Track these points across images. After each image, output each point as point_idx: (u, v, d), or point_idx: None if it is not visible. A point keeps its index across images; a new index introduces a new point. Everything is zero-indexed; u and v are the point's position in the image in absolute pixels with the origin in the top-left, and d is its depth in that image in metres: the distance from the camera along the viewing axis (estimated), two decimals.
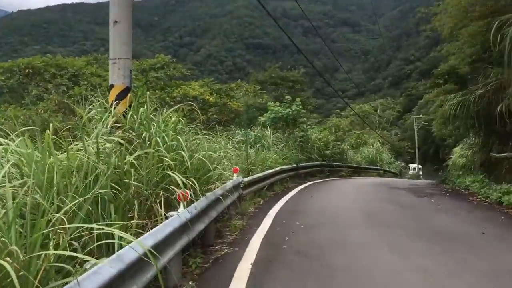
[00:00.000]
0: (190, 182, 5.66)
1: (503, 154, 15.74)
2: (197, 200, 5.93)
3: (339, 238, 7.28)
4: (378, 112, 65.66)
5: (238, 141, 14.61)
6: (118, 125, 6.07)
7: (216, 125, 10.69)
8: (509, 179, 14.05)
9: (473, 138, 19.90)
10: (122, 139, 5.49)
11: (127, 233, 4.32)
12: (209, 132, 8.64)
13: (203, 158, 6.72)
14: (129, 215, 4.84)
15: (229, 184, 7.96)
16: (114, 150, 5.22)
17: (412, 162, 57.40)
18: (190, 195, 5.50)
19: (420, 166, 56.51)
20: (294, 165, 16.89)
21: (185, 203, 5.34)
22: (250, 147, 14.55)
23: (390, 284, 4.94)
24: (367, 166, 29.13)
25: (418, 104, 71.44)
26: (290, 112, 19.69)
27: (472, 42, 16.52)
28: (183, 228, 5.06)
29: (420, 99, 75.13)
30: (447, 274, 5.25)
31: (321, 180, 19.35)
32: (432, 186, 18.48)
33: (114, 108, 6.29)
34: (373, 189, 16.00)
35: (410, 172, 49.12)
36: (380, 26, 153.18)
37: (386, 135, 57.29)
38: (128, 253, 3.55)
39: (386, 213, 10.01)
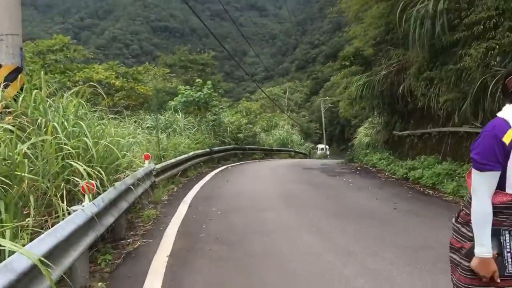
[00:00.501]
0: (96, 172, 5.08)
1: (405, 132, 16.58)
2: (104, 191, 5.34)
3: (258, 222, 7.07)
4: (287, 95, 66.90)
5: (148, 127, 13.92)
6: (7, 110, 5.28)
7: (124, 110, 9.99)
8: (412, 155, 14.83)
9: (378, 118, 20.80)
10: (12, 125, 4.75)
11: (22, 233, 3.72)
12: (116, 117, 7.96)
13: (110, 145, 6.10)
14: (25, 212, 4.20)
15: (140, 172, 7.39)
16: (2, 139, 4.48)
17: (320, 143, 59.34)
18: (96, 186, 4.91)
19: (327, 147, 58.62)
20: (208, 149, 16.52)
21: (90, 196, 4.75)
22: (161, 133, 13.93)
23: (312, 267, 4.78)
24: (279, 148, 29.51)
25: (324, 86, 73.90)
26: (202, 96, 19.23)
27: (377, 24, 17.08)
28: (89, 223, 4.47)
29: (326, 81, 77.85)
30: (367, 253, 5.22)
31: (235, 164, 19.20)
32: (342, 165, 19.08)
33: (3, 91, 5.48)
34: (287, 170, 16.12)
35: (318, 152, 50.73)
36: (286, 10, 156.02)
37: (295, 117, 58.63)
38: (19, 261, 2.92)
39: (302, 194, 10.02)
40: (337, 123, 63.96)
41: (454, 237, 2.20)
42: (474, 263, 2.01)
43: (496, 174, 1.98)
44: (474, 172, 2.04)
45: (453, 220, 2.27)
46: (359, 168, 16.27)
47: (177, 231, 6.58)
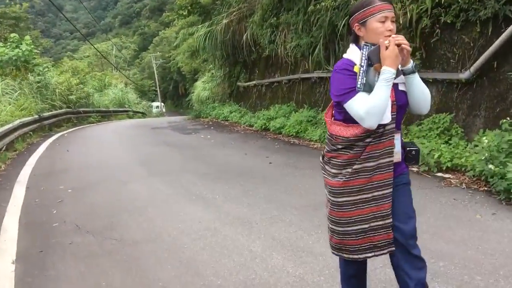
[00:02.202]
0: None
1: (251, 82, 16.30)
2: None
3: (125, 199, 5.80)
4: (114, 52, 62.79)
5: None
6: None
7: None
8: (263, 106, 14.63)
9: (220, 70, 20.21)
10: None
11: None
12: None
13: None
14: None
15: None
16: None
17: (154, 101, 57.45)
18: None
19: (162, 104, 57.10)
20: (36, 116, 14.04)
21: None
22: None
23: (214, 248, 3.84)
24: (116, 109, 27.19)
25: (154, 42, 71.20)
26: (20, 54, 16.16)
27: None
28: None
29: (154, 36, 75.06)
30: (268, 220, 4.48)
31: (71, 130, 16.77)
32: (191, 121, 18.19)
33: None
34: (134, 132, 14.60)
35: (154, 110, 48.88)
36: None
37: (127, 75, 55.47)
38: None
39: (164, 157, 8.89)
40: (170, 79, 62.29)
41: (323, 174, 2.29)
42: None
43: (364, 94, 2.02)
44: (347, 105, 2.05)
45: (320, 158, 2.36)
46: (210, 123, 15.56)
47: (18, 224, 5.01)
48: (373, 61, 2.02)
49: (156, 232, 4.44)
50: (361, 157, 2.08)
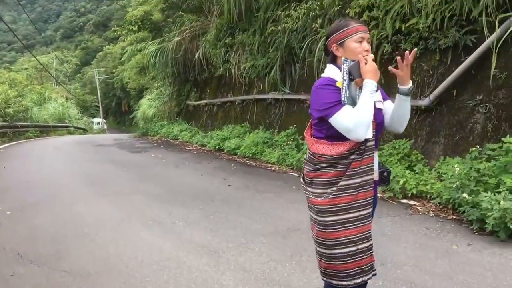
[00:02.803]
0: None
1: (202, 101, 16.02)
2: None
3: (70, 223, 5.24)
4: (54, 65, 60.48)
5: None
6: None
7: None
8: (215, 125, 14.36)
9: (169, 87, 19.77)
10: None
11: None
12: None
13: None
14: None
15: None
16: None
17: (95, 117, 55.65)
18: None
19: (104, 120, 55.43)
20: None
21: None
22: None
23: (179, 281, 3.50)
24: (56, 124, 25.85)
25: (97, 57, 69.53)
26: None
27: None
28: None
29: (97, 52, 73.22)
30: (236, 248, 4.15)
31: (8, 145, 15.63)
32: (138, 139, 17.54)
33: None
34: (78, 149, 13.80)
35: (95, 127, 47.28)
36: None
37: (69, 89, 53.43)
38: None
39: (112, 176, 8.34)
40: (113, 95, 60.70)
41: (306, 195, 2.25)
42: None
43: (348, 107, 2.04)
44: (332, 118, 2.05)
45: (301, 179, 2.33)
46: (160, 142, 15.02)
47: None
48: (354, 75, 2.08)
49: (111, 262, 3.99)
50: (346, 173, 2.08)
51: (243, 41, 11.69)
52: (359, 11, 7.38)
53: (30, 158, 11.76)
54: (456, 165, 4.80)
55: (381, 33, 7.15)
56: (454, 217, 4.77)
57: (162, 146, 13.47)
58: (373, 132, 2.10)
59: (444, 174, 5.27)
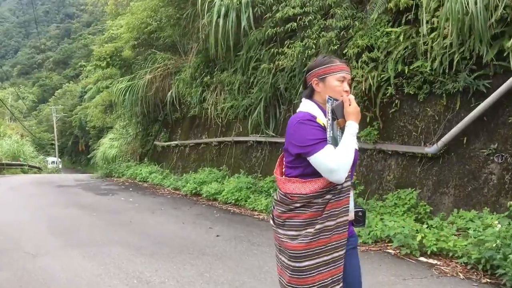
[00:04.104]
0: None
1: (173, 142, 15.29)
2: None
3: (34, 281, 4.33)
4: (10, 101, 58.40)
5: None
6: None
7: None
8: (186, 168, 13.59)
9: (136, 127, 18.90)
10: None
11: None
12: None
13: None
14: None
15: None
16: None
17: (50, 155, 53.48)
18: None
19: (59, 160, 53.33)
20: None
21: None
22: None
23: None
24: (9, 162, 24.19)
25: (56, 94, 67.90)
26: None
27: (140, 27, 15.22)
28: None
29: (56, 89, 71.46)
30: None
31: None
32: (102, 180, 16.41)
33: None
34: (38, 190, 12.56)
35: (49, 166, 45.18)
36: (5, 9, 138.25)
37: (26, 126, 51.37)
38: None
39: (81, 223, 7.33)
40: (71, 134, 58.90)
41: (279, 239, 2.11)
42: None
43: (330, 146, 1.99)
44: (313, 157, 1.96)
45: (271, 222, 2.21)
46: (127, 184, 14.01)
47: None
48: (338, 115, 2.04)
49: None
50: (323, 215, 2.00)
51: (224, 80, 11.17)
52: (358, 52, 7.00)
53: None
54: (497, 222, 4.27)
55: (382, 75, 6.77)
56: (489, 280, 4.20)
57: (131, 189, 12.48)
58: (349, 173, 2.03)
59: (468, 229, 4.75)
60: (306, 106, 2.15)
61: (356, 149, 2.09)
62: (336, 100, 2.06)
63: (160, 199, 10.16)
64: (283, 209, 2.08)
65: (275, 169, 2.26)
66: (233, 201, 8.68)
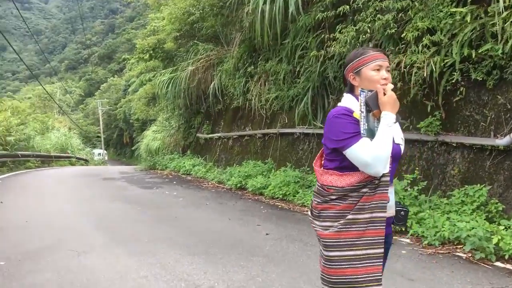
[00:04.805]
0: None
1: (215, 135, 15.04)
2: None
3: (79, 283, 4.10)
4: (58, 95, 60.24)
5: None
6: None
7: None
8: (226, 160, 13.31)
9: (178, 119, 18.80)
10: None
11: None
12: None
13: None
14: None
15: None
16: None
17: (96, 147, 54.90)
18: None
19: (105, 152, 54.67)
20: None
21: None
22: None
23: None
24: (58, 155, 24.77)
25: (101, 88, 69.62)
26: None
27: (182, 17, 15.02)
28: None
29: (101, 83, 73.25)
30: None
31: (6, 176, 14.49)
32: (146, 173, 16.39)
33: None
34: (84, 182, 12.62)
35: (96, 158, 46.35)
36: (52, 6, 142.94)
37: (74, 119, 52.92)
38: None
39: (126, 218, 7.15)
40: (115, 126, 60.43)
41: (314, 229, 2.11)
42: None
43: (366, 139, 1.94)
44: (349, 151, 1.93)
45: (309, 213, 2.20)
46: (171, 177, 13.88)
47: None
48: (372, 107, 1.99)
49: None
50: (355, 207, 1.96)
51: (268, 69, 10.75)
52: (418, 35, 6.41)
53: (30, 192, 10.59)
54: None
55: (445, 60, 6.16)
56: None
57: (174, 182, 12.32)
58: (389, 167, 1.98)
59: None
60: (345, 100, 2.11)
61: (398, 145, 2.07)
62: (371, 91, 2.00)
63: (204, 193, 9.90)
64: (319, 200, 2.07)
65: (315, 160, 2.22)
66: (280, 196, 8.29)
